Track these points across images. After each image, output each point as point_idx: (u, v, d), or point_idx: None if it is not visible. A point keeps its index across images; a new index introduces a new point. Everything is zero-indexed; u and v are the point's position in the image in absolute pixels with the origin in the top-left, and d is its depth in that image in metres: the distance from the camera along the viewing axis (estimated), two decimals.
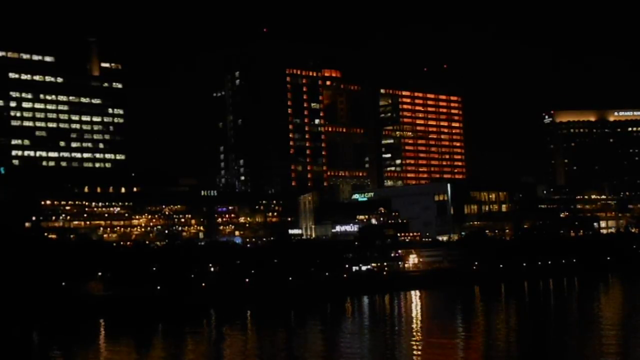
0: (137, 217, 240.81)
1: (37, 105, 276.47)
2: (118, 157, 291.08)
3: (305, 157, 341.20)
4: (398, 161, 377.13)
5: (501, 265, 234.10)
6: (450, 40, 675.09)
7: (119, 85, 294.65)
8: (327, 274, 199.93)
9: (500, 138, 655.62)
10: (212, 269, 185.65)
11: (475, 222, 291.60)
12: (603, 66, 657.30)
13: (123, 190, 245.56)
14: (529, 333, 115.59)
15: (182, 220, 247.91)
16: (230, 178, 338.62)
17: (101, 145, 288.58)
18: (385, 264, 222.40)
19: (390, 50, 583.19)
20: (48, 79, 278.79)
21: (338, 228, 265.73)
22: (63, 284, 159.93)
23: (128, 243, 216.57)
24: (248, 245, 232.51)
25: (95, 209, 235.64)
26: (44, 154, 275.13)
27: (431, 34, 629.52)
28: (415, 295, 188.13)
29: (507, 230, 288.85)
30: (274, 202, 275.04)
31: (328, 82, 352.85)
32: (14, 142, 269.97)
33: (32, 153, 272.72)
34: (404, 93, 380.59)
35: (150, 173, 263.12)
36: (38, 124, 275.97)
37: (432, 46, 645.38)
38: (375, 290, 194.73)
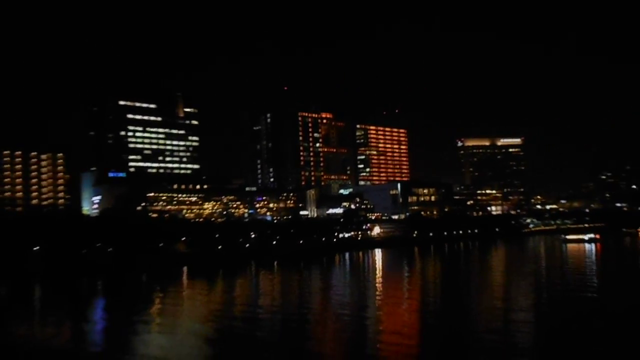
0: (206, 203, 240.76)
1: (145, 135, 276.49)
2: (194, 166, 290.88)
3: (310, 167, 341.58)
4: (368, 170, 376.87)
5: (431, 234, 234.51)
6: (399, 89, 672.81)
7: (195, 122, 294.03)
8: (323, 239, 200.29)
9: (431, 155, 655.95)
10: (252, 236, 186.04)
11: (415, 207, 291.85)
12: (495, 107, 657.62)
13: (197, 187, 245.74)
14: (448, 275, 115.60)
15: (234, 205, 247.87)
16: (264, 179, 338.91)
17: (184, 159, 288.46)
18: (359, 232, 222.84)
19: (363, 97, 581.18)
20: (152, 118, 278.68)
21: (330, 210, 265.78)
22: (160, 244, 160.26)
23: (200, 220, 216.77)
24: (275, 221, 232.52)
25: (180, 198, 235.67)
26: (148, 164, 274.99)
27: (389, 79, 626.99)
28: (377, 252, 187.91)
29: (435, 212, 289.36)
30: (291, 194, 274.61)
31: (324, 120, 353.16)
32: (130, 157, 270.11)
33: (141, 164, 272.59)
34: (371, 127, 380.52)
35: (214, 176, 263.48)
36: (145, 146, 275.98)
37: (389, 94, 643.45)
38: (353, 249, 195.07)
